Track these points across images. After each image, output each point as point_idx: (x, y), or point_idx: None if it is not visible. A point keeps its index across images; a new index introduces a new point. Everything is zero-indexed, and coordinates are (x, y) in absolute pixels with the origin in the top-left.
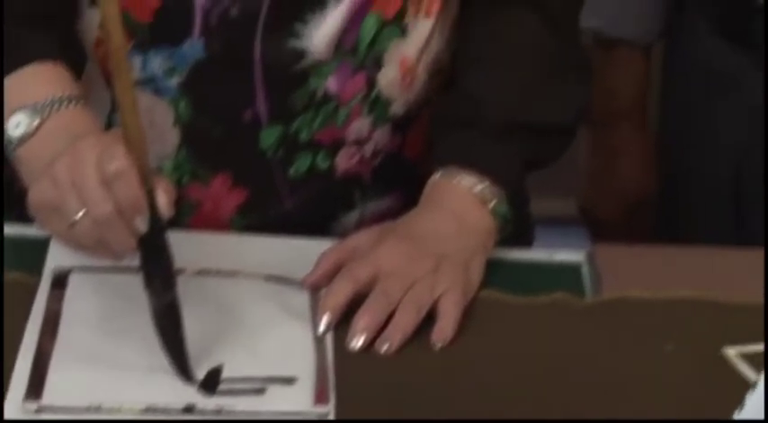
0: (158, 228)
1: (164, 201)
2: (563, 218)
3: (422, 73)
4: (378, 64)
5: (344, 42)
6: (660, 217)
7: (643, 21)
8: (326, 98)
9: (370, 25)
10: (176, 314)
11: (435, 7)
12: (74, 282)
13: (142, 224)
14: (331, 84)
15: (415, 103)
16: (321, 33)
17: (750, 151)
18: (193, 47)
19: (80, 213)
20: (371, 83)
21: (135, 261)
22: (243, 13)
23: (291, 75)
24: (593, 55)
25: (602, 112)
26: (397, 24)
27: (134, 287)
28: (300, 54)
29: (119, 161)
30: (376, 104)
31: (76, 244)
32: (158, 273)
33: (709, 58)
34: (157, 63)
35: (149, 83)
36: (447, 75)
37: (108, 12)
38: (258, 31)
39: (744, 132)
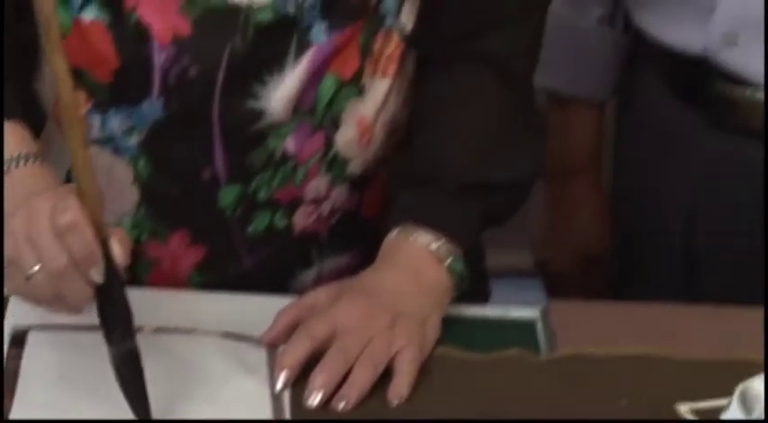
0: (115, 278)
1: (119, 251)
2: (519, 270)
3: (379, 132)
4: (335, 124)
5: (303, 103)
6: (615, 271)
7: (597, 79)
8: (285, 158)
9: (328, 86)
10: (137, 362)
11: (392, 67)
12: (32, 340)
13: (98, 275)
14: (289, 144)
15: (372, 162)
16: (279, 94)
17: (702, 209)
18: (152, 106)
19: (36, 267)
20: (329, 142)
21: (94, 319)
22: (201, 73)
23: (250, 135)
24: (549, 112)
25: (557, 167)
26: (355, 84)
27: (93, 345)
28: (259, 114)
29: (71, 213)
30: (334, 163)
31: (34, 298)
32: (116, 323)
33: (662, 116)
34: (117, 122)
35: (109, 142)
36: (404, 134)
37: (56, 67)
38: (216, 92)
39: (696, 190)
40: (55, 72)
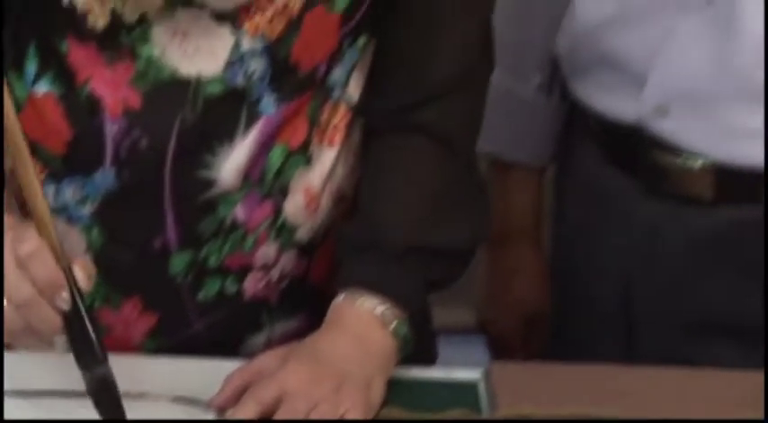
0: (81, 303)
1: (82, 276)
2: (464, 327)
3: (326, 200)
4: (284, 192)
5: (252, 173)
6: (555, 333)
7: (536, 145)
8: (234, 225)
9: (276, 156)
10: (112, 386)
11: (339, 136)
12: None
13: (63, 301)
14: (239, 211)
15: (320, 230)
16: (229, 165)
17: (639, 273)
18: (105, 177)
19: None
20: (278, 210)
21: (64, 385)
22: (152, 144)
23: (200, 203)
24: (490, 177)
25: (497, 231)
26: (303, 154)
27: (63, 410)
28: (209, 184)
29: (30, 242)
30: (282, 231)
31: (7, 334)
32: (87, 348)
33: (599, 181)
34: (70, 192)
35: (62, 212)
36: (351, 202)
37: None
38: (168, 162)
39: (633, 254)
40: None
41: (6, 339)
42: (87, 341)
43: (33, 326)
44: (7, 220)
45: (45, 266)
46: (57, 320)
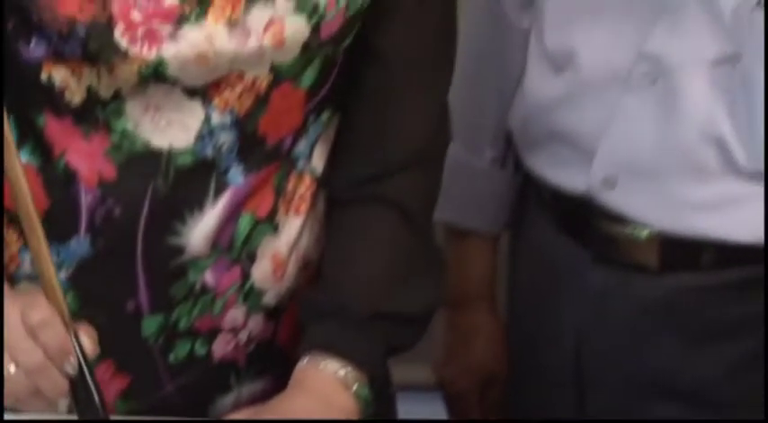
0: (86, 368)
1: (88, 342)
2: (422, 385)
3: (292, 267)
4: (251, 258)
5: (221, 240)
6: (510, 398)
7: (490, 215)
8: (204, 289)
9: (244, 224)
10: None
11: (304, 206)
12: None
13: (72, 367)
14: (208, 276)
15: (286, 294)
16: (199, 232)
17: (590, 338)
18: (80, 244)
19: (11, 368)
20: (246, 275)
21: None
22: (125, 213)
23: (171, 268)
24: (447, 244)
25: (455, 295)
26: (270, 222)
27: None
28: (180, 250)
29: (41, 310)
30: (250, 295)
31: (12, 396)
32: (91, 410)
33: (551, 249)
34: None
35: (38, 277)
36: (316, 268)
37: (11, 166)
38: (140, 230)
39: (584, 319)
40: (10, 171)
41: (12, 404)
42: (91, 403)
43: (42, 390)
44: (7, 290)
45: (56, 334)
46: (64, 385)
